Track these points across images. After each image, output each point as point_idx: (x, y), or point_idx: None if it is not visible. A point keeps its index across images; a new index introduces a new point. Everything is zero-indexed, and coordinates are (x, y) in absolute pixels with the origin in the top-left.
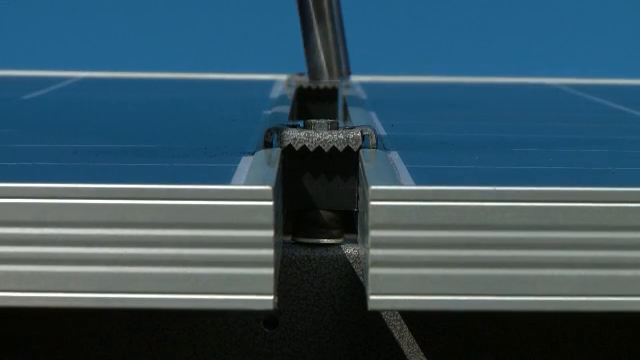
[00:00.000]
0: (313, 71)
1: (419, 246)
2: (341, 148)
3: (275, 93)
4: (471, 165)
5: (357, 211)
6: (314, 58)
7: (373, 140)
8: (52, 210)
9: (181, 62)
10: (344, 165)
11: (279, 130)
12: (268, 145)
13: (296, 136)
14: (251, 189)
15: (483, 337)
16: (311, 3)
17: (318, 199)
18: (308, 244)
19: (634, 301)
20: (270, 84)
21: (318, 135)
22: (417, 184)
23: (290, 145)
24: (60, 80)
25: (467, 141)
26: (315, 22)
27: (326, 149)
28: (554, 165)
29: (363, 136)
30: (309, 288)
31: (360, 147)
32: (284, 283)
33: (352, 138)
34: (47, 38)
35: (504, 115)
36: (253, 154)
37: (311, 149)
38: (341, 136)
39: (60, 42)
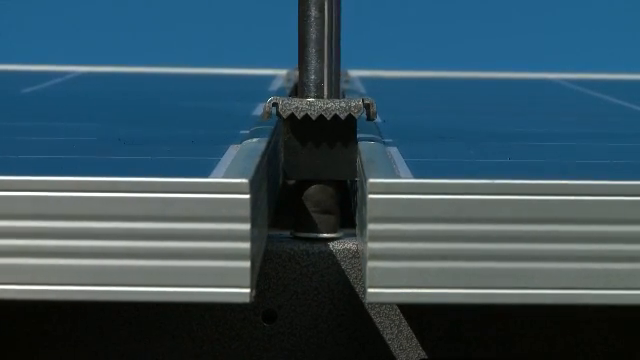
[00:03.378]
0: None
1: (417, 239)
2: (343, 116)
3: (274, 87)
4: (469, 158)
5: (354, 204)
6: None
7: (373, 109)
8: (31, 202)
9: (181, 57)
10: (346, 133)
11: (282, 100)
12: (269, 115)
13: (298, 105)
14: (228, 182)
15: (481, 330)
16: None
17: (319, 168)
18: (307, 239)
19: (632, 294)
20: (270, 79)
21: (320, 103)
22: (415, 177)
23: (292, 114)
24: (59, 75)
25: (466, 134)
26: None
27: (328, 117)
28: (552, 158)
29: (365, 105)
30: (308, 282)
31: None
32: (283, 277)
33: (354, 106)
34: (46, 33)
35: (504, 110)
36: (239, 147)
37: (313, 117)
38: (343, 104)
39: (59, 37)
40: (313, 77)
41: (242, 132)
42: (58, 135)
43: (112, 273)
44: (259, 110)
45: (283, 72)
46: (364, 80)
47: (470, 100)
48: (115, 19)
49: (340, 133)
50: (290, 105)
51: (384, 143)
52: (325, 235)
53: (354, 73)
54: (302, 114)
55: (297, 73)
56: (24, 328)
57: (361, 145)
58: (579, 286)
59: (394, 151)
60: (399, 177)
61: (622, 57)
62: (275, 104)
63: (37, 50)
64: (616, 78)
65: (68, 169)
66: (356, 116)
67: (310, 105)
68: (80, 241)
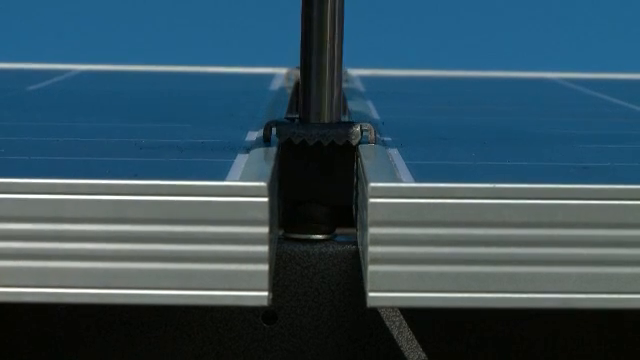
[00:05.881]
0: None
1: (418, 243)
2: (340, 142)
3: (274, 87)
4: (470, 162)
5: (355, 207)
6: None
7: (372, 136)
8: (45, 205)
9: (181, 55)
10: (343, 159)
11: (278, 124)
12: (267, 139)
13: (295, 130)
14: (246, 185)
15: (482, 334)
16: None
17: (315, 193)
18: (299, 240)
19: (633, 298)
20: (270, 78)
21: (317, 129)
22: (416, 181)
23: (289, 139)
24: (62, 72)
25: (466, 137)
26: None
27: (325, 143)
28: (553, 161)
29: (362, 131)
30: (308, 284)
31: (359, 142)
32: (283, 279)
33: (352, 133)
34: (49, 32)
35: (504, 110)
36: (250, 150)
37: (310, 143)
38: (341, 131)
39: (62, 35)
40: (314, 102)
41: (249, 133)
42: (71, 136)
43: (131, 276)
44: (262, 111)
45: (283, 70)
46: (364, 79)
47: (470, 100)
48: (115, 17)
49: (337, 158)
50: (287, 130)
51: (385, 145)
52: (317, 236)
53: (354, 72)
54: (299, 139)
55: (297, 72)
56: (26, 329)
57: (361, 148)
58: (580, 290)
59: (395, 153)
60: (400, 181)
61: (622, 57)
62: (273, 128)
63: (36, 48)
64: (615, 77)
65: (86, 171)
66: (353, 143)
67: (307, 130)
68: (98, 244)
